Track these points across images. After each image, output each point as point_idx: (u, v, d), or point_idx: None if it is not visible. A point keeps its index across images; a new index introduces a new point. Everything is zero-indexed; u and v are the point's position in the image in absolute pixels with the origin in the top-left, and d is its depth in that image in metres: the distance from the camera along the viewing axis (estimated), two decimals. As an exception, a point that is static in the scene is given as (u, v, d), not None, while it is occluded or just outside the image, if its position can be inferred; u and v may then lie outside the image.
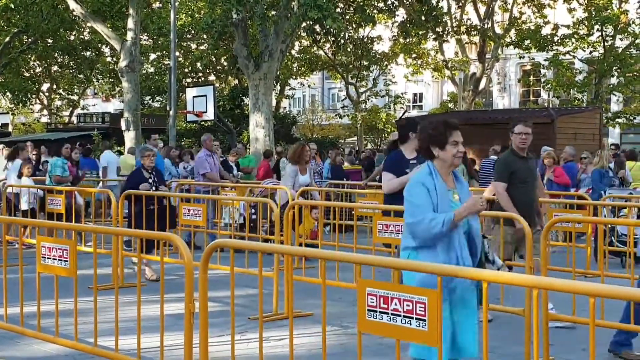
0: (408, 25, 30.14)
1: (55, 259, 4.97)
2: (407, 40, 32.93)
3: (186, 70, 34.83)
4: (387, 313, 3.32)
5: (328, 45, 34.47)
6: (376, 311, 3.36)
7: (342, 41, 32.33)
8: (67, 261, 4.90)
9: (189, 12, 31.32)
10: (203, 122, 27.02)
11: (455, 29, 32.24)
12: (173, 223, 9.64)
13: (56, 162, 12.00)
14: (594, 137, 19.98)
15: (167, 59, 32.12)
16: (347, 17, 28.37)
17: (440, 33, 31.33)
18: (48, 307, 5.27)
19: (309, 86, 45.93)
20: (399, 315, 3.27)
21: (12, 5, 24.87)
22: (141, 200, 9.14)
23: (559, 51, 31.20)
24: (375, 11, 29.09)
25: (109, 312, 5.72)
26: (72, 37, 34.51)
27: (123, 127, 23.04)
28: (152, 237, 6.25)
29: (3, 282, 5.48)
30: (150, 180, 9.54)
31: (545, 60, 31.87)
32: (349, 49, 34.83)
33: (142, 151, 9.72)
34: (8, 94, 38.41)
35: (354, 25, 31.53)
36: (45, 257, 5.03)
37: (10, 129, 44.30)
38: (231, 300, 4.46)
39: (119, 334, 4.97)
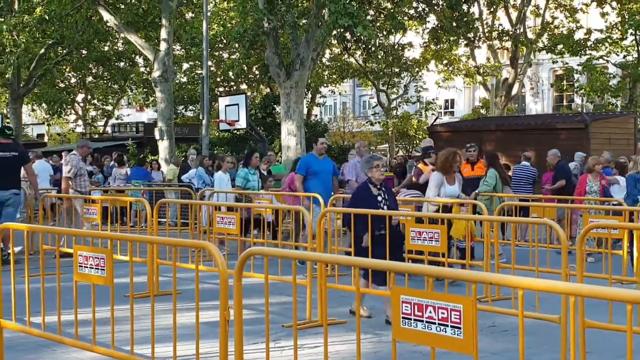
0: (439, 31, 30.07)
1: (92, 268, 5.02)
2: (438, 46, 32.88)
3: (218, 79, 35.13)
4: (422, 321, 3.32)
5: (359, 52, 34.50)
6: (411, 319, 3.37)
7: (373, 48, 32.29)
8: (103, 270, 4.95)
9: (221, 22, 31.60)
10: (235, 131, 27.20)
11: (486, 34, 32.10)
12: (400, 254, 7.70)
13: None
14: (628, 142, 19.75)
15: (199, 69, 32.41)
16: (378, 24, 28.38)
17: (472, 39, 31.20)
18: (85, 315, 5.33)
19: (339, 94, 46.06)
20: (434, 323, 3.27)
21: (47, 17, 25.25)
22: (365, 221, 7.28)
23: (592, 56, 30.92)
24: (405, 18, 29.09)
25: (145, 320, 5.79)
26: (106, 48, 35.00)
27: (157, 136, 23.29)
28: (186, 245, 6.30)
29: (41, 291, 5.55)
30: (379, 198, 7.52)
31: (578, 65, 31.60)
32: (379, 56, 34.86)
33: (370, 161, 7.61)
34: (44, 104, 39.06)
35: (385, 32, 31.51)
36: (82, 266, 5.09)
37: (46, 139, 45.02)
38: (266, 308, 4.49)
39: (155, 342, 5.02)
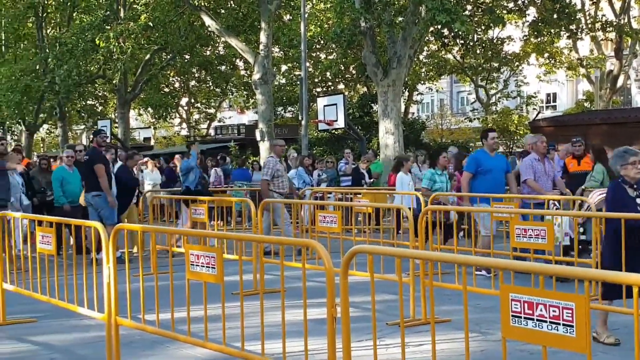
0: (539, 24, 29.30)
1: (204, 266, 5.19)
2: (539, 39, 32.07)
3: (316, 80, 35.41)
4: (533, 319, 3.29)
5: (456, 48, 34.07)
6: (520, 317, 3.34)
7: (471, 43, 31.87)
8: (214, 268, 5.11)
9: (318, 23, 31.84)
10: (334, 131, 27.36)
11: (589, 25, 31.09)
12: None
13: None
14: None
15: (297, 70, 32.79)
16: (476, 19, 27.95)
17: (574, 31, 30.25)
18: (196, 312, 5.51)
19: (437, 91, 45.61)
20: (545, 322, 3.24)
21: (152, 24, 26.11)
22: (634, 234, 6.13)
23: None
24: (504, 12, 28.51)
25: (253, 317, 5.93)
26: (208, 53, 35.87)
27: (258, 137, 23.71)
28: (291, 243, 6.42)
29: (155, 289, 5.77)
30: (638, 201, 6.32)
31: (688, 54, 30.22)
32: (478, 51, 34.32)
33: (624, 156, 6.41)
34: (149, 109, 40.37)
35: (483, 27, 30.99)
36: (193, 265, 5.27)
37: (152, 142, 46.54)
38: (372, 306, 4.53)
39: (265, 338, 5.14)
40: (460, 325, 6.96)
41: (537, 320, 3.27)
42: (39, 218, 8.06)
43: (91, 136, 12.78)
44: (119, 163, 12.99)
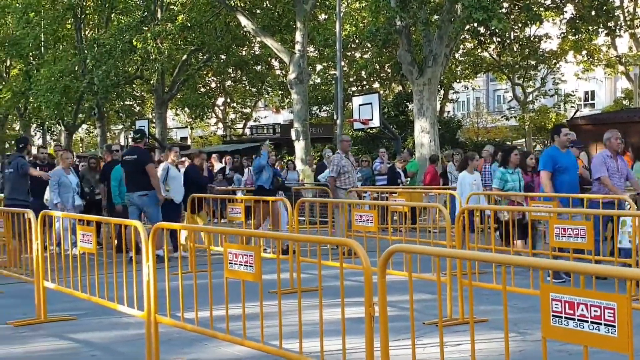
0: (577, 21, 29.00)
1: (242, 265, 5.23)
2: (577, 36, 31.70)
3: (351, 79, 35.41)
4: (573, 319, 3.26)
5: (493, 46, 33.84)
6: (561, 317, 3.32)
7: (508, 41, 31.62)
8: (252, 266, 5.14)
9: (353, 22, 31.83)
10: (369, 130, 27.33)
11: (628, 22, 30.68)
12: None
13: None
14: None
15: (333, 69, 32.82)
16: (513, 16, 27.73)
17: (612, 28, 29.87)
18: (233, 310, 5.55)
19: (473, 89, 45.31)
20: (586, 321, 3.21)
21: (189, 25, 26.32)
22: None
23: None
24: (542, 9, 28.25)
25: (290, 316, 5.96)
26: (244, 53, 36.05)
27: (293, 137, 23.79)
28: (329, 242, 6.44)
29: (194, 287, 5.83)
30: None
31: None
32: (515, 49, 34.04)
33: None
34: (186, 109, 40.71)
35: (520, 25, 30.74)
36: (232, 263, 5.30)
37: (189, 142, 46.95)
38: (410, 305, 4.53)
39: (302, 337, 5.16)
40: (497, 325, 6.93)
41: (578, 320, 3.25)
42: (79, 217, 8.18)
43: (133, 136, 12.88)
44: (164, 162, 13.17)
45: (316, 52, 34.54)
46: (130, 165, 11.93)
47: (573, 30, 30.00)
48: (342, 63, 25.07)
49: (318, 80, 36.80)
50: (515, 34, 32.61)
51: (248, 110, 47.67)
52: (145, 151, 12.29)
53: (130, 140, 25.85)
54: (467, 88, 42.90)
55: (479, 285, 7.82)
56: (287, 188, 14.18)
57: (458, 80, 39.25)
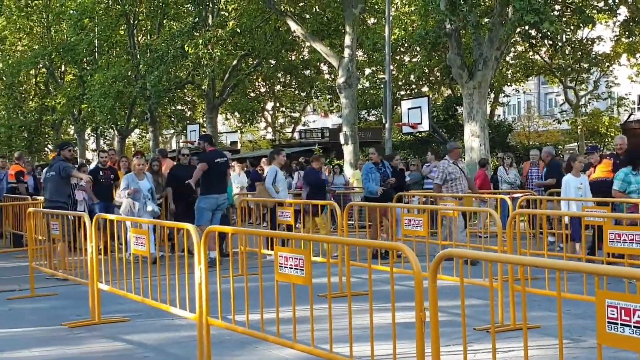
0: (631, 23, 28.48)
1: (292, 268, 5.25)
2: (630, 39, 31.10)
3: (400, 83, 35.28)
4: (629, 325, 3.21)
5: (544, 49, 33.39)
6: (617, 323, 3.27)
7: (560, 44, 31.18)
8: (302, 270, 5.17)
9: (402, 26, 31.73)
10: (418, 134, 27.21)
11: (684, 24, 29.94)
12: None
13: None
14: None
15: (381, 73, 32.75)
16: (565, 19, 27.33)
17: (668, 30, 29.26)
18: (284, 314, 5.58)
19: (524, 92, 44.78)
20: (643, 328, 3.16)
21: (239, 30, 26.55)
22: None
23: None
24: (594, 11, 27.78)
25: (340, 319, 5.97)
26: (293, 57, 36.21)
27: (342, 141, 23.81)
28: (380, 246, 6.43)
29: (245, 290, 5.87)
30: None
31: None
32: (567, 52, 33.54)
33: None
34: (236, 113, 41.07)
35: (572, 27, 30.27)
36: (282, 266, 5.34)
37: (239, 146, 47.34)
38: (462, 310, 4.50)
39: (353, 341, 5.16)
40: (549, 332, 6.84)
41: (635, 326, 3.20)
42: (132, 220, 8.32)
43: (200, 141, 13.38)
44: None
45: (365, 56, 34.51)
46: (224, 167, 12.64)
47: (626, 32, 29.43)
48: (391, 67, 25.01)
49: (367, 84, 36.75)
50: (568, 37, 32.11)
51: (297, 114, 47.86)
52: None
53: (195, 144, 26.31)
54: (518, 91, 42.42)
55: (530, 291, 7.72)
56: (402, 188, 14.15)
57: (509, 84, 38.79)
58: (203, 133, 22.59)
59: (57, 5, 33.95)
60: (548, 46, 31.13)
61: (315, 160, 13.70)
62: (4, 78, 39.35)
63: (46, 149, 43.79)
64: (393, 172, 14.10)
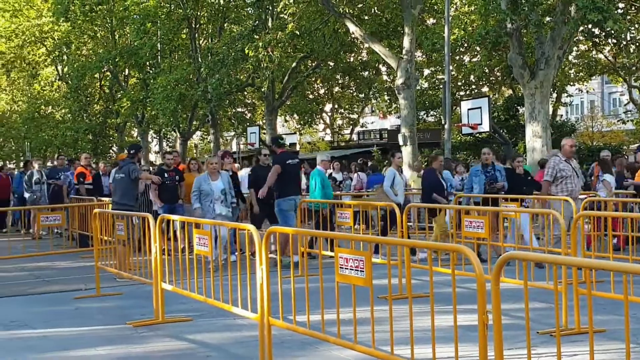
0: (699, 20, 27.66)
1: (352, 269, 5.27)
2: (698, 37, 30.23)
3: (459, 83, 34.98)
4: (701, 331, 3.14)
5: (608, 47, 32.66)
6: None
7: (624, 42, 30.47)
8: (363, 271, 5.18)
9: (462, 26, 31.44)
10: (478, 134, 26.93)
11: None
12: None
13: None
14: None
15: (441, 74, 32.51)
16: (629, 17, 26.70)
17: None
18: (344, 315, 5.60)
19: (587, 92, 43.88)
20: None
21: (298, 32, 26.68)
22: None
23: None
24: (661, 8, 27.10)
25: (400, 321, 5.95)
26: (352, 59, 36.21)
27: (400, 142, 23.71)
28: (442, 248, 6.40)
29: (305, 291, 5.90)
30: None
31: None
32: (631, 50, 32.75)
33: None
34: (295, 115, 41.28)
35: (637, 25, 29.55)
36: (343, 268, 5.35)
37: (297, 147, 47.57)
38: (526, 314, 4.45)
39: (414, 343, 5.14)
40: (615, 336, 6.70)
41: None
42: (195, 221, 8.44)
43: (273, 144, 13.59)
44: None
45: (424, 56, 34.30)
46: (296, 167, 12.87)
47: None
48: (451, 67, 24.82)
49: (425, 85, 36.51)
50: (632, 35, 31.35)
51: (355, 116, 47.84)
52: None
53: (255, 145, 26.44)
54: (581, 91, 41.57)
55: (595, 294, 7.57)
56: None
57: (571, 83, 38.07)
58: (272, 136, 22.83)
59: (121, 10, 34.64)
60: (612, 45, 30.47)
61: (434, 161, 13.21)
62: (70, 82, 40.35)
63: (111, 151, 44.71)
64: (509, 174, 13.29)
